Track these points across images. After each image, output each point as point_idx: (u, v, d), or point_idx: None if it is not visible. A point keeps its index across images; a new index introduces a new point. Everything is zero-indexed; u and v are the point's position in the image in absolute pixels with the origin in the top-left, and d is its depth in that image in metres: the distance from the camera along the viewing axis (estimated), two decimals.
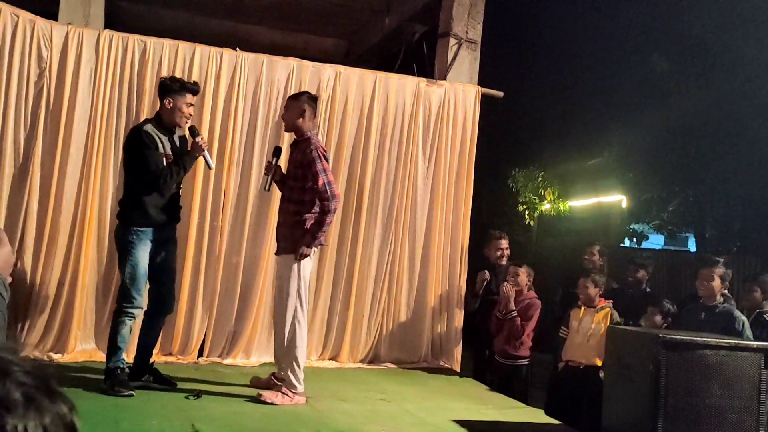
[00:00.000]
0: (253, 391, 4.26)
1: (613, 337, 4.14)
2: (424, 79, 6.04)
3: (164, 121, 4.22)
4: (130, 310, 4.09)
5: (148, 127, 4.18)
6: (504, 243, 5.90)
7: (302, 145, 4.26)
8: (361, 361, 5.73)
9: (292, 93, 5.47)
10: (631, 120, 10.69)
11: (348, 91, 5.71)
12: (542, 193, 10.91)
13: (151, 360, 4.35)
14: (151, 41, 5.25)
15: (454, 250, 6.02)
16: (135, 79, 5.19)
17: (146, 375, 4.22)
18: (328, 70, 5.70)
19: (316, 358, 5.64)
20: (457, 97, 6.04)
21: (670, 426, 3.51)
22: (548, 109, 11.97)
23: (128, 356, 4.25)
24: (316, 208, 4.17)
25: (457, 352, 5.98)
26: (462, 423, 4.04)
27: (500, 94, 6.32)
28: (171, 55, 5.27)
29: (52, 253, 4.92)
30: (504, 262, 5.83)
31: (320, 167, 4.13)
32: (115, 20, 5.76)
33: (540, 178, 10.93)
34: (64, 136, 5.00)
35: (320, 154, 4.18)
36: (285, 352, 4.19)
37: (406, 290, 5.90)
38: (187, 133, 4.39)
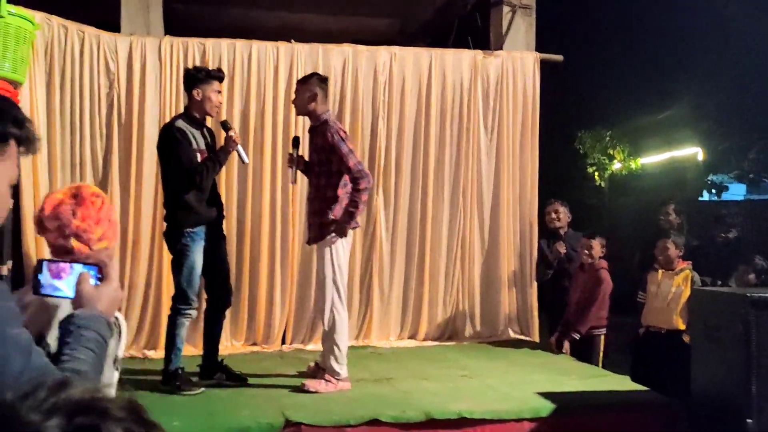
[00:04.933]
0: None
1: (698, 300, 4.02)
2: (480, 51, 5.96)
3: (194, 113, 4.13)
4: (187, 311, 4.09)
5: (180, 123, 4.09)
6: (556, 208, 5.64)
7: (321, 129, 4.13)
8: (440, 338, 5.78)
9: (346, 80, 5.53)
10: (703, 67, 10.20)
11: (404, 71, 5.71)
12: (611, 152, 10.57)
13: (220, 357, 4.35)
14: (210, 43, 5.38)
15: (524, 221, 5.97)
16: None
17: (218, 373, 4.24)
18: (383, 52, 5.70)
19: (395, 338, 5.73)
20: (515, 66, 5.93)
21: (765, 388, 3.39)
22: (612, 66, 11.54)
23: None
24: (346, 191, 4.11)
25: (535, 323, 5.94)
26: (547, 395, 4.02)
27: (560, 58, 6.16)
28: (229, 54, 5.39)
29: (137, 257, 5.16)
30: (560, 227, 5.65)
31: (345, 150, 4.05)
32: (173, 24, 5.91)
33: (608, 138, 10.58)
34: (137, 143, 5.20)
35: (342, 136, 4.09)
36: (325, 339, 4.20)
37: (478, 264, 5.91)
38: (214, 126, 4.33)
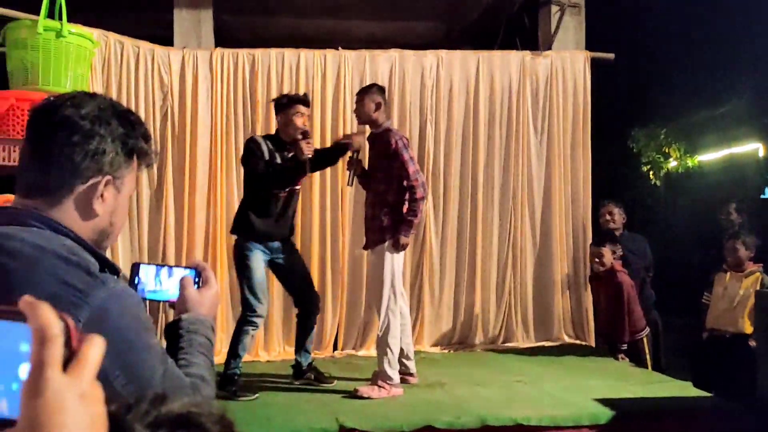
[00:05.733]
0: None
1: (763, 302, 3.86)
2: (528, 51, 5.89)
3: (280, 137, 4.30)
4: (252, 319, 4.21)
5: (257, 137, 4.35)
6: (611, 209, 5.52)
7: (383, 137, 4.22)
8: (492, 343, 5.72)
9: (393, 85, 5.55)
10: (763, 60, 9.83)
11: (452, 75, 5.69)
12: (666, 150, 10.29)
13: (311, 359, 4.51)
14: (259, 53, 5.47)
15: (576, 223, 5.86)
16: (247, 91, 5.44)
17: (308, 373, 4.42)
18: (430, 56, 5.69)
19: (446, 343, 5.70)
20: (564, 65, 5.84)
21: None
22: (665, 62, 11.24)
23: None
24: (405, 198, 4.17)
25: (590, 327, 5.82)
26: (605, 401, 3.92)
27: (611, 56, 6.04)
28: (278, 64, 5.47)
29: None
30: (615, 228, 5.50)
31: (407, 157, 4.14)
32: (224, 36, 6.03)
33: (662, 135, 10.31)
34: (190, 153, 5.32)
35: (404, 143, 4.19)
36: (378, 343, 4.24)
37: (530, 268, 5.83)
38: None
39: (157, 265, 1.45)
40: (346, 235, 5.53)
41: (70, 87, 3.48)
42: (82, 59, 3.62)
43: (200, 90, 5.36)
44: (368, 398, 4.06)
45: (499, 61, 5.77)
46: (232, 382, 4.15)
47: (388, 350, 4.14)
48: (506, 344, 5.71)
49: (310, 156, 4.10)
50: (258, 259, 4.23)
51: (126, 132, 1.25)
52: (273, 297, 5.38)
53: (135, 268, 1.43)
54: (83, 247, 1.20)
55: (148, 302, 1.41)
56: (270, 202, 4.22)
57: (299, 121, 4.23)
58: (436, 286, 5.68)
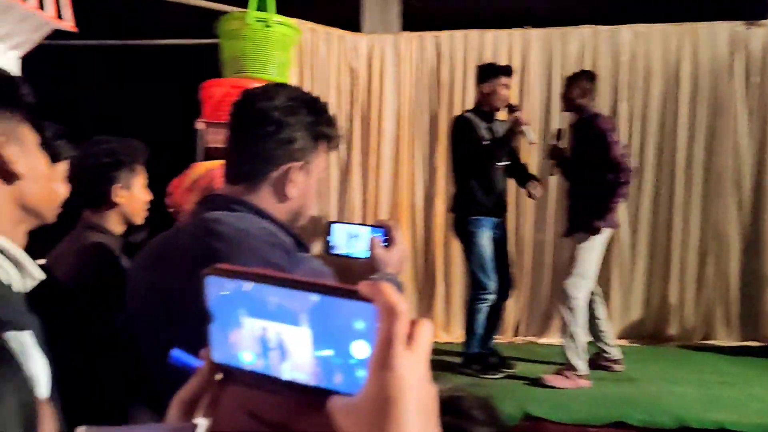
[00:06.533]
0: None
1: None
2: (740, 21, 5.31)
3: (482, 107, 4.28)
4: (484, 296, 4.22)
5: (468, 114, 4.31)
6: None
7: (591, 123, 4.10)
8: (689, 340, 5.30)
9: (584, 63, 5.29)
10: None
11: (650, 50, 5.30)
12: None
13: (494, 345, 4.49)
14: (444, 35, 5.47)
15: None
16: (433, 74, 5.47)
17: (493, 358, 4.38)
18: (625, 31, 5.33)
19: (636, 337, 5.38)
20: None
21: None
22: None
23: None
24: (609, 183, 4.01)
25: None
26: None
27: None
28: (463, 46, 5.43)
29: None
30: None
31: (613, 141, 4.01)
32: (409, 19, 6.10)
33: None
34: (377, 136, 5.47)
35: (613, 125, 4.09)
36: (568, 332, 4.08)
37: (736, 260, 5.29)
38: (504, 114, 4.37)
39: (349, 224, 1.52)
40: (529, 222, 5.40)
41: (276, 74, 3.72)
42: (285, 47, 3.84)
43: (386, 74, 5.47)
44: (554, 387, 3.97)
45: (705, 33, 5.26)
46: (480, 360, 4.24)
47: (576, 340, 4.03)
48: (705, 341, 5.26)
49: (529, 124, 4.09)
50: (485, 236, 4.23)
51: (313, 120, 1.34)
52: (457, 277, 5.42)
53: (329, 228, 1.52)
54: (280, 228, 1.29)
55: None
56: (492, 177, 4.24)
57: (504, 93, 4.21)
58: (626, 277, 5.37)
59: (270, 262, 1.18)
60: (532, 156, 5.26)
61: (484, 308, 4.23)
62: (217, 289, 0.53)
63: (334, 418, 0.49)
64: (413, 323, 0.49)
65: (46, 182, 1.06)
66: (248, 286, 0.51)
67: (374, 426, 0.46)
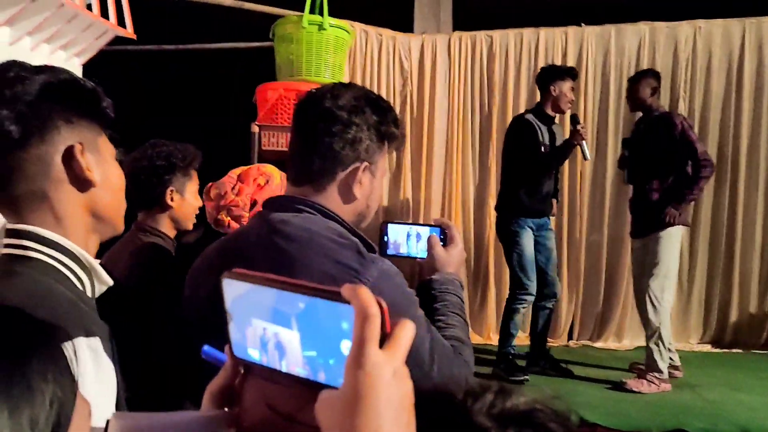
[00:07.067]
0: (631, 377, 4.12)
1: None
2: None
3: (546, 110, 4.25)
4: (522, 297, 4.20)
5: (529, 116, 4.27)
6: None
7: (663, 121, 4.02)
8: (752, 346, 5.11)
9: (641, 60, 5.17)
10: None
11: (711, 46, 5.13)
12: None
13: (548, 346, 4.44)
14: (497, 34, 5.41)
15: None
16: (485, 74, 5.42)
17: (542, 361, 4.34)
18: (685, 27, 5.18)
19: (695, 341, 5.22)
20: None
21: None
22: None
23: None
24: (683, 181, 3.96)
25: None
26: None
27: None
28: (516, 45, 5.36)
29: None
30: None
31: (693, 137, 3.96)
32: (462, 18, 6.06)
33: None
34: (428, 136, 5.46)
35: (689, 124, 4.01)
36: (649, 335, 3.98)
37: None
38: (567, 122, 4.37)
39: (404, 223, 1.49)
40: (584, 224, 5.30)
41: (330, 76, 3.74)
42: (339, 50, 3.87)
43: (438, 73, 5.45)
44: (638, 392, 3.89)
45: None
46: (506, 360, 4.21)
47: (660, 342, 3.95)
48: None
49: (587, 140, 4.08)
50: (527, 236, 4.22)
51: (378, 119, 1.31)
52: (494, 278, 5.36)
53: (384, 227, 1.49)
54: (346, 228, 1.28)
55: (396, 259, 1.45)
56: (542, 181, 4.22)
57: (570, 96, 4.20)
58: (684, 278, 5.22)
59: (340, 263, 1.17)
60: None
61: (521, 309, 4.20)
62: (233, 291, 0.58)
63: (315, 411, 0.53)
64: (395, 324, 0.53)
65: (118, 193, 1.10)
66: (255, 289, 0.56)
67: (345, 420, 0.50)
